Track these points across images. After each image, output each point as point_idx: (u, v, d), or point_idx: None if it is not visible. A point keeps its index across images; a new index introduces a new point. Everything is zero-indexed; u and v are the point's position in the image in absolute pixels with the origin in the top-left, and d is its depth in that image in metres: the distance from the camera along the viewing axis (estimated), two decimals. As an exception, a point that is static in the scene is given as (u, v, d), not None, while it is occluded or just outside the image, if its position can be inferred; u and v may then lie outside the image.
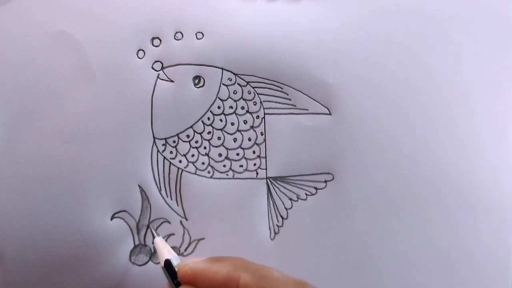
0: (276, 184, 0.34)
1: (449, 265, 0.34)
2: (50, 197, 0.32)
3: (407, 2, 0.35)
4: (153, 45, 0.33)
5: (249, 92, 0.34)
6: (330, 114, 0.34)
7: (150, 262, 0.33)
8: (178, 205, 0.33)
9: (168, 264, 0.29)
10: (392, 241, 0.34)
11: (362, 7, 0.35)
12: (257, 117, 0.34)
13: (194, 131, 0.33)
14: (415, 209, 0.34)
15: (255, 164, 0.34)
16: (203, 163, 0.33)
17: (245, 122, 0.34)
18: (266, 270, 0.27)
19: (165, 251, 0.30)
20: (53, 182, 0.32)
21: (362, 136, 0.34)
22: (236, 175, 0.34)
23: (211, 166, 0.34)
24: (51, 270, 0.32)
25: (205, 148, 0.33)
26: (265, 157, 0.34)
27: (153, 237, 0.32)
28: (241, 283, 0.27)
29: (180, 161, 0.33)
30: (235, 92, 0.34)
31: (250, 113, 0.34)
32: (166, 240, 0.33)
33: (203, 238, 0.33)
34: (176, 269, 0.29)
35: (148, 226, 0.33)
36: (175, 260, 0.30)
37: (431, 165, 0.34)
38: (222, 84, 0.33)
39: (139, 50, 0.33)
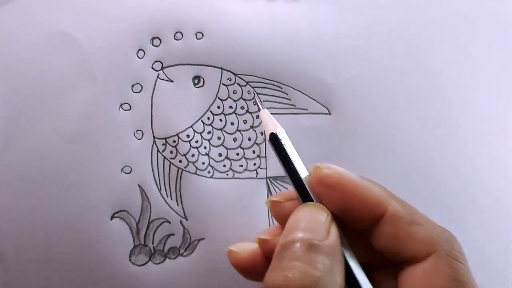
0: (276, 184, 0.34)
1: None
2: (50, 197, 0.32)
3: (407, 2, 0.35)
4: (153, 45, 0.33)
5: (249, 92, 0.34)
6: (329, 113, 0.34)
7: (150, 263, 0.33)
8: (178, 205, 0.33)
9: (274, 139, 0.26)
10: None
11: (362, 7, 0.35)
12: (257, 116, 0.34)
13: (194, 131, 0.33)
14: (415, 209, 0.34)
15: (255, 164, 0.34)
16: (203, 163, 0.33)
17: (245, 121, 0.34)
18: (414, 208, 0.25)
19: (273, 124, 0.27)
20: (53, 182, 0.32)
21: (362, 135, 0.34)
22: (236, 175, 0.34)
23: (211, 166, 0.34)
24: (51, 270, 0.32)
25: (205, 148, 0.33)
26: (265, 156, 0.34)
27: (259, 109, 0.29)
28: (391, 209, 0.24)
29: (180, 161, 0.33)
30: (234, 92, 0.34)
31: (249, 112, 0.34)
32: (166, 240, 0.33)
33: (203, 238, 0.33)
34: (304, 167, 0.26)
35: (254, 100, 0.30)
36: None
37: (431, 165, 0.34)
38: (222, 84, 0.33)
39: (139, 50, 0.33)
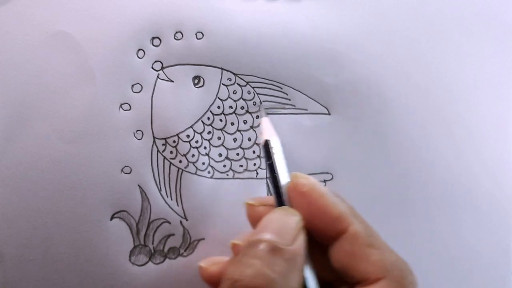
0: (276, 184, 0.34)
1: (449, 265, 0.34)
2: (50, 197, 0.32)
3: (407, 2, 0.35)
4: (153, 45, 0.33)
5: (249, 92, 0.34)
6: (329, 114, 0.34)
7: (150, 263, 0.33)
8: (178, 205, 0.33)
9: (266, 146, 0.28)
10: (391, 241, 0.34)
11: (362, 7, 0.35)
12: (257, 117, 0.34)
13: (194, 131, 0.33)
14: (415, 209, 0.34)
15: (255, 164, 0.34)
16: (203, 163, 0.33)
17: (245, 122, 0.34)
18: (376, 232, 0.26)
19: (269, 132, 0.29)
20: (53, 182, 0.32)
21: (361, 135, 0.34)
22: (236, 175, 0.34)
23: (211, 166, 0.34)
24: (51, 270, 0.32)
25: (205, 148, 0.33)
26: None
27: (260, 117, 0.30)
28: (352, 228, 0.25)
29: (180, 161, 0.33)
30: (234, 92, 0.34)
31: (249, 113, 0.34)
32: (166, 240, 0.33)
33: (203, 238, 0.33)
34: (287, 175, 0.27)
35: (259, 106, 0.32)
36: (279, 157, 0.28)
37: (431, 165, 0.34)
38: (222, 84, 0.33)
39: (139, 50, 0.33)
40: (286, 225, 0.25)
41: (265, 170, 0.34)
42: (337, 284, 0.27)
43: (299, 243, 0.25)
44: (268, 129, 0.29)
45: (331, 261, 0.26)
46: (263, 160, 0.34)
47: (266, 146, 0.28)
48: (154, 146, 0.33)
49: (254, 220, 0.28)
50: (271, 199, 0.28)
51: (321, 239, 0.26)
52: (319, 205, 0.26)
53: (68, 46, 0.32)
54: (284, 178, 0.27)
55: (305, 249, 0.25)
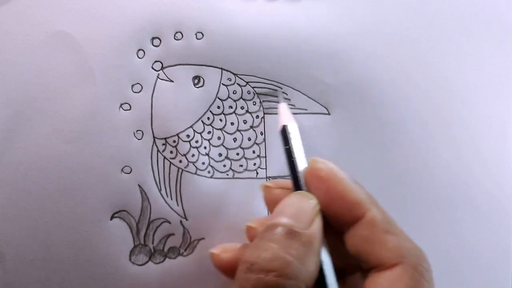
0: (276, 184, 0.34)
1: (449, 265, 0.34)
2: (50, 197, 0.32)
3: (407, 2, 0.35)
4: (153, 45, 0.33)
5: (249, 92, 0.34)
6: (329, 114, 0.34)
7: (150, 262, 0.33)
8: (178, 205, 0.33)
9: (284, 131, 0.28)
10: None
11: (362, 7, 0.35)
12: (257, 116, 0.34)
13: (194, 131, 0.33)
14: (415, 209, 0.34)
15: (255, 164, 0.34)
16: (203, 163, 0.33)
17: (245, 122, 0.34)
18: (392, 219, 0.26)
19: (286, 117, 0.29)
20: (53, 182, 0.32)
21: (361, 135, 0.34)
22: (236, 175, 0.34)
23: (211, 166, 0.34)
24: (51, 270, 0.32)
25: (205, 148, 0.33)
26: (265, 156, 0.34)
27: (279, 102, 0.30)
28: (369, 214, 0.25)
29: (180, 161, 0.33)
30: (234, 92, 0.34)
31: (249, 113, 0.34)
32: (166, 240, 0.33)
33: (203, 238, 0.33)
34: (304, 160, 0.27)
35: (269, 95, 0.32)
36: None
37: (430, 165, 0.34)
38: (222, 84, 0.33)
39: (139, 50, 0.33)
40: (302, 209, 0.25)
41: (265, 169, 0.34)
42: (350, 270, 0.27)
43: (316, 227, 0.25)
44: (285, 114, 0.29)
45: (347, 246, 0.26)
46: (263, 160, 0.34)
47: (284, 131, 0.28)
48: (154, 146, 0.33)
49: (270, 202, 0.29)
50: (288, 182, 0.28)
51: (337, 225, 0.26)
52: (337, 190, 0.26)
53: (68, 46, 0.32)
54: (302, 163, 0.27)
55: (322, 233, 0.25)
